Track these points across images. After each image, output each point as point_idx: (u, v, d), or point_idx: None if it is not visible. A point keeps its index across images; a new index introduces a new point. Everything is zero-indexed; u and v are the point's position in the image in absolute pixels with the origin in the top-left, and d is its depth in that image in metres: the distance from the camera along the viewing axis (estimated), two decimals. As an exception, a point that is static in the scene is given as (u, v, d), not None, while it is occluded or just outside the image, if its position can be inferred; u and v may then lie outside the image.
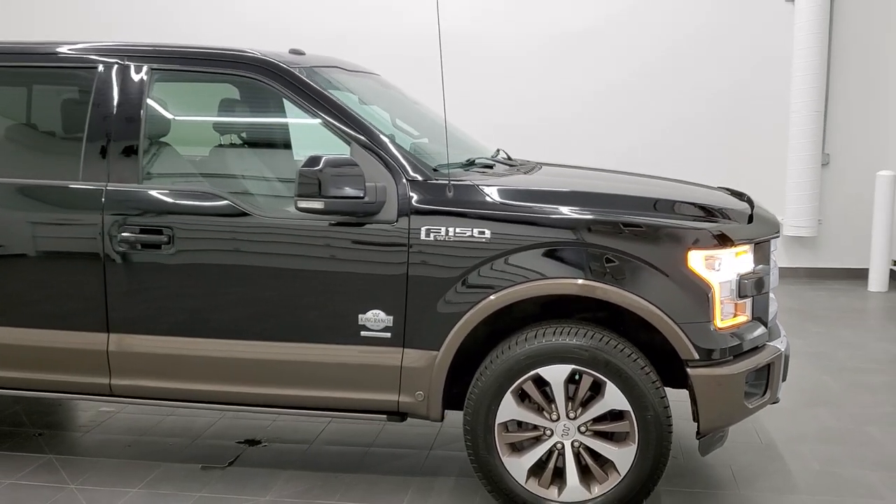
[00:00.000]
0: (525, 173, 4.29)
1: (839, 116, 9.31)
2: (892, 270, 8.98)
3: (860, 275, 9.10)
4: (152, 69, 3.98)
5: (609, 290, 3.55)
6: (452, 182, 3.73)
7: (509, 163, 4.53)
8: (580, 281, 3.56)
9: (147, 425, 5.04)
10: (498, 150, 4.77)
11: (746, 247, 3.73)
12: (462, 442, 4.60)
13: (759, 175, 8.90)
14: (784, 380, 3.97)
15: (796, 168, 9.26)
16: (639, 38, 9.46)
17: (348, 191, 3.60)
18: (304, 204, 3.57)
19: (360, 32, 9.43)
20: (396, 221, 3.69)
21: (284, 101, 4.01)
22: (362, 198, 3.63)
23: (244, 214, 3.80)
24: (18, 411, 5.33)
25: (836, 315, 7.83)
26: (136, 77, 3.96)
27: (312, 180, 3.53)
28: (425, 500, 4.07)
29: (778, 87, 9.30)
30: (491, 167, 4.30)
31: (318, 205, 3.57)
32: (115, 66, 3.97)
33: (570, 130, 9.32)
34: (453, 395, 3.84)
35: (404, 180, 3.73)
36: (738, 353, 3.67)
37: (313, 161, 3.55)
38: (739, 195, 4.26)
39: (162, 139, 4.13)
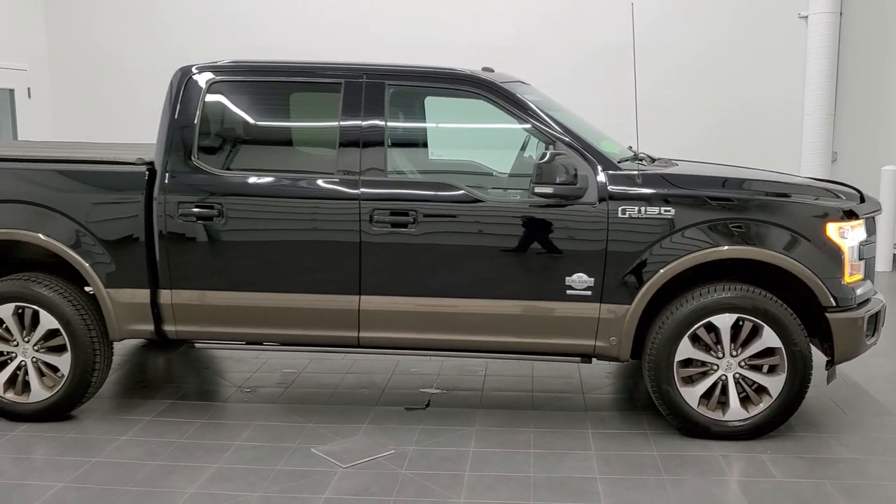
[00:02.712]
0: (675, 165, 5.35)
1: (846, 118, 10.60)
2: (894, 254, 10.27)
3: (867, 257, 10.37)
4: (388, 85, 4.96)
5: (773, 255, 4.64)
6: (642, 172, 4.79)
7: (652, 157, 5.58)
8: (754, 248, 4.64)
9: (333, 381, 5.98)
10: (630, 147, 5.81)
11: (862, 220, 4.86)
12: (607, 387, 5.72)
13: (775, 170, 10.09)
14: (883, 325, 5.10)
15: (809, 164, 10.50)
16: (669, 51, 10.61)
17: (565, 179, 4.64)
18: (539, 189, 4.61)
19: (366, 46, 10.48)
20: (597, 203, 4.73)
21: (495, 109, 4.96)
22: (576, 185, 4.67)
23: (477, 201, 4.81)
24: (209, 375, 6.24)
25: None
26: (377, 91, 4.92)
27: (547, 171, 4.57)
28: (605, 427, 5.11)
29: (792, 91, 10.55)
30: (642, 160, 5.35)
31: (549, 190, 4.62)
32: (361, 83, 4.93)
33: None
34: None
35: (600, 170, 4.77)
36: (860, 302, 4.80)
37: (545, 156, 4.59)
38: (845, 184, 5.37)
39: (398, 140, 5.11)
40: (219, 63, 5.09)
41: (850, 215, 4.76)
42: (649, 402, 5.32)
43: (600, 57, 10.62)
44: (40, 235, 4.97)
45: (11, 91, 10.74)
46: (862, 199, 4.98)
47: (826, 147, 10.48)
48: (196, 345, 5.16)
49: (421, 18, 10.82)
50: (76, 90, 11.58)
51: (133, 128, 11.05)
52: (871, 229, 4.96)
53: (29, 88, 10.94)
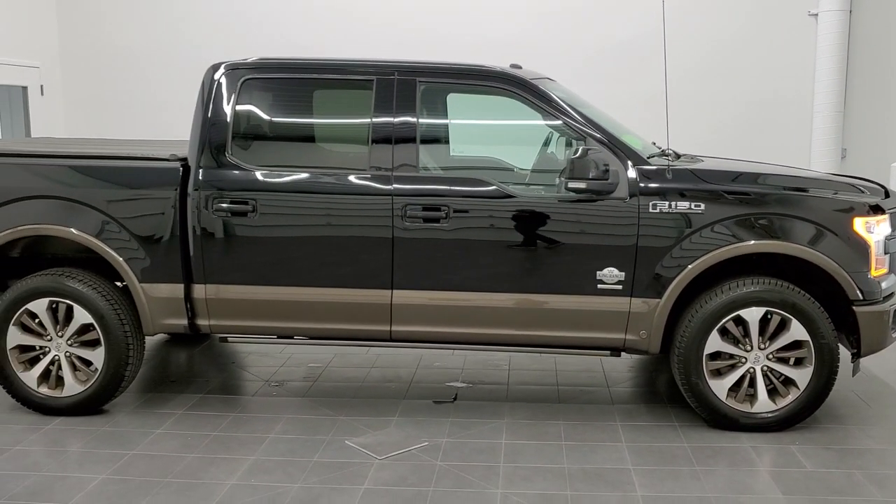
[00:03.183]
0: (701, 161, 5.41)
1: (855, 115, 10.68)
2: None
3: (876, 253, 10.46)
4: (420, 81, 5.01)
5: (802, 249, 4.70)
6: (672, 167, 4.86)
7: (677, 153, 5.63)
8: (784, 243, 4.70)
9: (359, 376, 6.04)
10: (654, 143, 5.86)
11: (887, 215, 4.93)
12: (630, 380, 5.79)
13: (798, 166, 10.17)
14: (907, 319, 5.17)
15: (818, 161, 10.59)
16: (680, 48, 10.67)
17: (597, 174, 4.70)
18: (573, 184, 4.68)
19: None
20: (628, 199, 4.80)
21: (523, 106, 5.01)
22: (607, 180, 4.73)
23: (509, 196, 4.87)
24: (235, 370, 6.29)
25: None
26: (409, 88, 4.98)
27: (579, 166, 4.63)
28: (633, 420, 5.17)
29: (802, 89, 10.64)
30: (668, 156, 5.41)
31: (582, 185, 4.68)
32: (392, 79, 4.99)
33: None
34: None
35: (631, 166, 4.84)
36: (885, 296, 4.87)
37: (579, 152, 4.65)
38: (869, 180, 5.43)
39: (430, 136, 5.17)
40: (250, 60, 5.14)
41: (876, 210, 4.83)
42: (674, 395, 5.42)
43: (605, 54, 10.70)
44: (73, 230, 5.02)
45: (24, 88, 10.78)
46: (887, 195, 5.04)
47: (835, 143, 10.56)
48: (229, 339, 5.20)
49: (421, 15, 10.93)
50: (87, 87, 11.63)
51: (144, 124, 11.15)
52: (895, 224, 5.02)
53: (42, 86, 10.98)
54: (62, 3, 11.56)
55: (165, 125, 10.75)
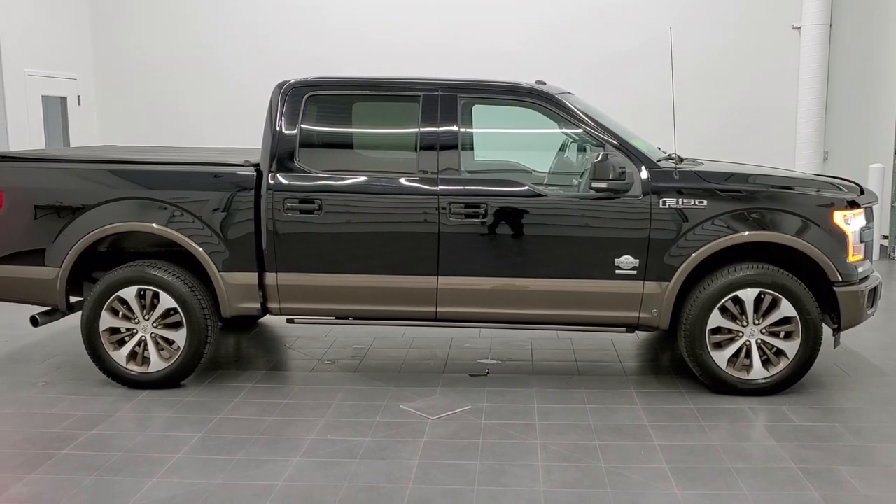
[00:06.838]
0: (702, 164, 6.23)
1: (837, 120, 11.57)
2: (882, 246, 11.22)
3: (856, 248, 11.33)
4: (460, 97, 5.82)
5: (791, 239, 5.52)
6: (679, 169, 5.68)
7: (680, 157, 6.45)
8: (776, 233, 5.52)
9: (398, 355, 6.83)
10: (659, 147, 6.67)
11: (862, 209, 5.76)
12: (639, 356, 6.58)
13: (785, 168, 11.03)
14: (880, 298, 6.01)
15: (802, 163, 11.46)
16: (676, 59, 11.46)
17: (616, 175, 5.51)
18: (597, 184, 5.48)
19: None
20: (642, 196, 5.61)
21: (548, 117, 5.82)
22: (624, 180, 5.55)
23: (539, 195, 5.68)
24: (287, 350, 7.07)
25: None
26: (450, 102, 5.78)
27: (601, 169, 5.44)
28: (645, 387, 5.98)
29: (787, 96, 11.51)
30: (673, 159, 6.23)
31: (603, 184, 5.49)
32: (437, 95, 5.79)
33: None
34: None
35: (644, 168, 5.65)
36: (861, 278, 5.70)
37: (600, 157, 5.46)
38: (847, 179, 6.26)
39: (470, 143, 5.98)
40: (311, 79, 5.92)
41: (852, 205, 5.66)
42: (679, 367, 6.24)
43: (604, 64, 11.54)
44: (165, 228, 5.77)
45: (63, 99, 11.51)
46: (862, 192, 5.88)
47: (818, 147, 11.44)
48: (295, 320, 5.98)
49: (433, 29, 11.78)
50: (119, 97, 12.38)
51: (172, 132, 11.92)
52: (869, 217, 5.86)
53: (79, 96, 11.71)
54: (96, 17, 12.32)
55: (192, 133, 11.58)
